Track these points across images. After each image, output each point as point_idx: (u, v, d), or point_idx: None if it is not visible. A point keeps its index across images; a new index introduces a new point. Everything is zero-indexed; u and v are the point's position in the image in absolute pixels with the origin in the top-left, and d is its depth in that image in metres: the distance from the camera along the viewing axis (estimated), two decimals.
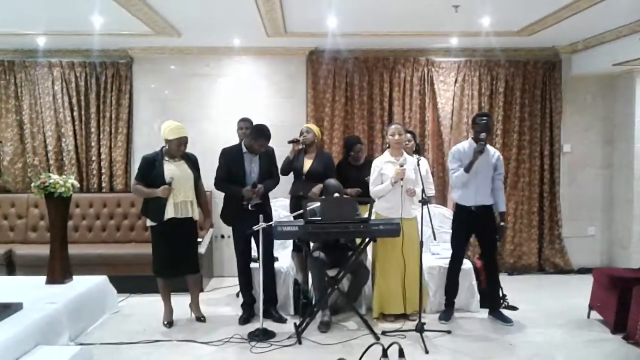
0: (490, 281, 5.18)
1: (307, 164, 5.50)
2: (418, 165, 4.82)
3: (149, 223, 4.88)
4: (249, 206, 4.85)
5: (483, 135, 4.90)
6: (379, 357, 2.43)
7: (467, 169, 4.90)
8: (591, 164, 7.16)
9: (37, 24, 5.73)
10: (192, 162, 4.95)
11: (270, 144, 5.10)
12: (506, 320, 4.99)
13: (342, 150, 6.47)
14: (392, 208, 4.94)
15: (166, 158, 4.84)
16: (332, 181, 5.17)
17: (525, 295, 5.82)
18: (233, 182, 4.92)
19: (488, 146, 5.08)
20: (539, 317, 5.19)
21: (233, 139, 6.45)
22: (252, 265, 5.10)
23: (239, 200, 4.88)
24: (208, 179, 5.11)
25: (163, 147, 4.88)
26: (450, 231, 5.22)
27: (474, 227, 5.08)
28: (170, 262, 4.84)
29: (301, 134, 5.60)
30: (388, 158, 5.07)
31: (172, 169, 4.79)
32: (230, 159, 4.99)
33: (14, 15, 5.35)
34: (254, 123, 5.41)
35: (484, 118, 5.03)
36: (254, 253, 5.12)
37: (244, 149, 5.00)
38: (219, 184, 5.03)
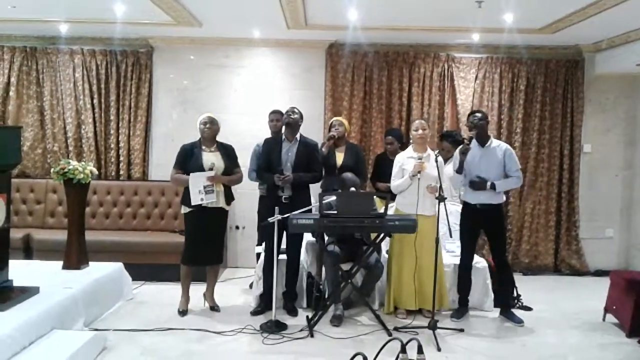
0: (501, 280, 5.11)
1: (339, 158, 5.50)
2: (436, 161, 4.77)
3: (183, 210, 4.96)
4: (283, 198, 4.88)
5: (471, 133, 4.87)
6: (395, 353, 2.42)
7: (458, 170, 4.85)
8: (611, 165, 7.06)
9: (60, 11, 5.76)
10: (227, 152, 5.02)
11: None
12: (516, 320, 4.94)
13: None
14: (409, 204, 4.89)
15: (203, 147, 4.95)
16: (348, 175, 5.16)
17: (540, 295, 5.77)
18: (271, 171, 4.97)
19: (496, 142, 5.02)
20: (553, 318, 5.14)
21: (250, 130, 6.53)
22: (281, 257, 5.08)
23: (276, 193, 4.94)
24: None
25: (200, 137, 4.98)
26: None
27: (480, 224, 5.01)
28: (198, 250, 4.92)
29: (332, 126, 5.61)
30: (410, 153, 5.03)
31: (210, 157, 4.90)
32: (270, 147, 5.08)
33: (37, 1, 5.38)
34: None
35: (476, 115, 4.96)
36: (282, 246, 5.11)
37: (283, 138, 5.06)
38: (258, 172, 5.22)
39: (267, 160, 5.07)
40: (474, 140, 4.90)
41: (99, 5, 5.35)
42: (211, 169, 4.81)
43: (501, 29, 5.74)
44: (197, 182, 4.75)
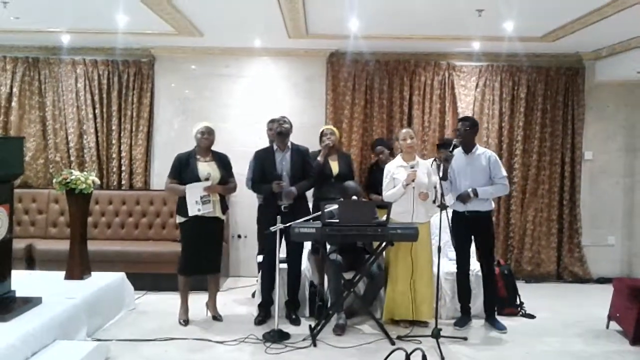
0: (487, 287, 5.08)
1: (334, 166, 5.53)
2: (438, 168, 4.76)
3: (178, 220, 4.97)
4: (282, 207, 4.88)
5: (455, 141, 4.89)
6: None
7: (443, 177, 4.83)
8: (613, 172, 7.06)
9: (62, 22, 5.79)
10: (223, 162, 5.02)
11: None
12: (499, 327, 4.92)
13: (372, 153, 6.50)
14: (404, 212, 4.88)
15: (198, 157, 4.94)
16: (351, 183, 5.16)
17: (543, 303, 5.74)
18: (267, 182, 4.97)
19: (481, 149, 5.04)
20: (556, 326, 5.13)
21: (251, 140, 6.52)
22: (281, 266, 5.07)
23: (275, 201, 4.93)
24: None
25: (195, 146, 4.98)
26: None
27: (470, 231, 5.00)
28: (195, 260, 4.91)
29: (324, 135, 5.63)
30: (400, 162, 5.03)
31: (205, 167, 4.90)
32: (263, 159, 5.10)
33: (40, 12, 5.41)
34: None
35: (465, 123, 4.99)
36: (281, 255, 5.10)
37: (275, 147, 5.08)
38: (253, 184, 5.22)
39: (261, 172, 5.07)
40: (459, 148, 4.94)
41: (101, 15, 5.37)
42: (207, 179, 4.82)
43: (502, 37, 5.76)
44: (193, 193, 4.76)
